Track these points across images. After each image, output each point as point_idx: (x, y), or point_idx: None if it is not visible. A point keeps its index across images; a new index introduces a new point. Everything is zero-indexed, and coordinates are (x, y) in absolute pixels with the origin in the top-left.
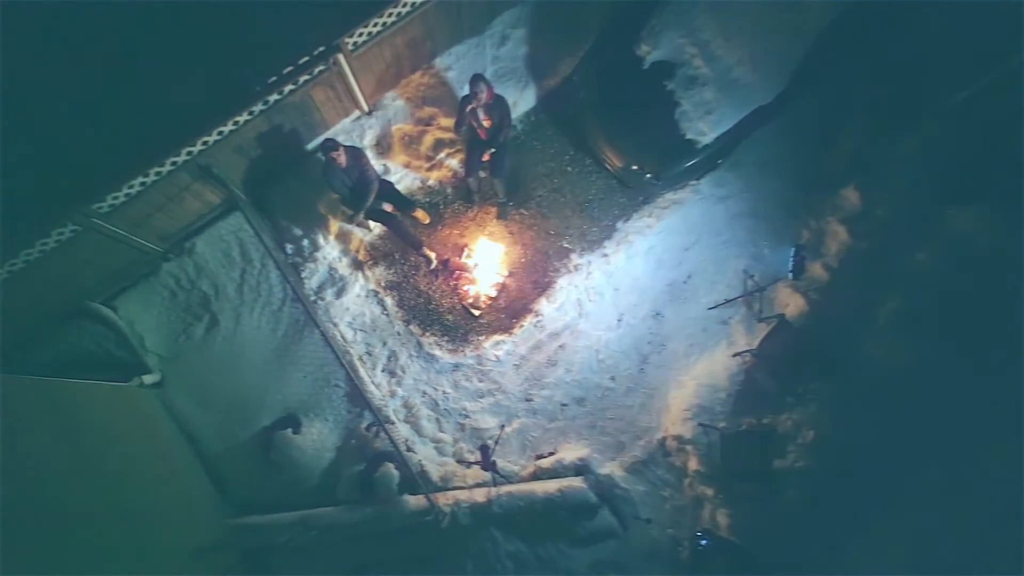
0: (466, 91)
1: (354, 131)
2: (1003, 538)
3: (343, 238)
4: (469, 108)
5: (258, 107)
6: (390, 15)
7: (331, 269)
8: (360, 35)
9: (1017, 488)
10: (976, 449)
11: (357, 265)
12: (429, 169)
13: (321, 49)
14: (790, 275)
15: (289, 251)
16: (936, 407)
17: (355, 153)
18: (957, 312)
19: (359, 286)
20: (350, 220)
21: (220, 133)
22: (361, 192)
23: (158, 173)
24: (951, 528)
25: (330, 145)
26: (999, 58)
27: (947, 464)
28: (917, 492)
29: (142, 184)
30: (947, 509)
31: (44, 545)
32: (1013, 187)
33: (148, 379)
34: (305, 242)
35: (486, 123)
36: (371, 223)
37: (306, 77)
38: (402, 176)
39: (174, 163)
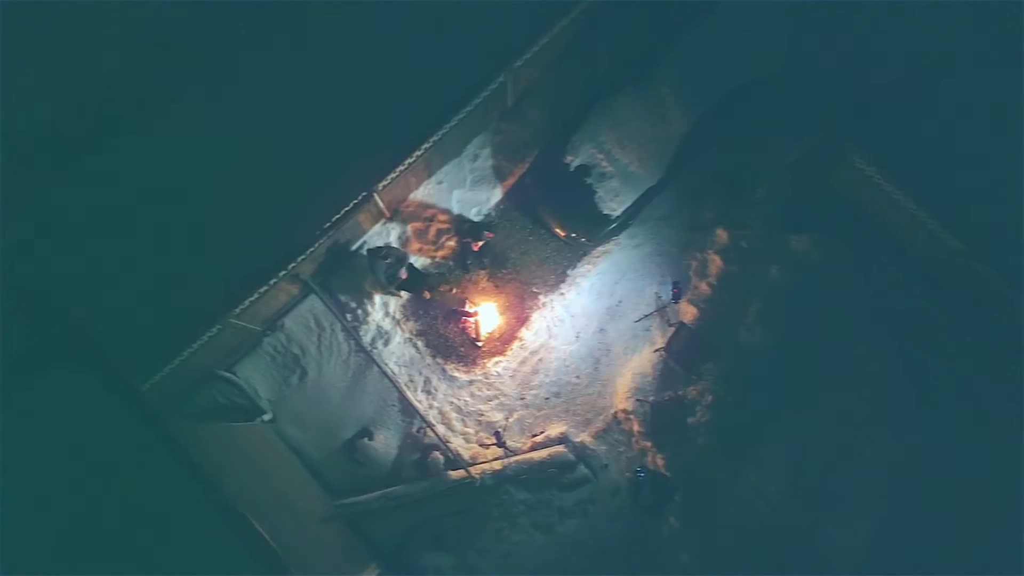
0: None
1: (383, 232)
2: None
3: (384, 305)
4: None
5: (326, 235)
6: (405, 164)
7: (378, 327)
8: (387, 180)
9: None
10: (817, 394)
11: (395, 322)
12: (435, 250)
13: (364, 194)
14: (672, 301)
15: (349, 318)
16: (789, 371)
17: (388, 250)
18: (800, 307)
19: (399, 336)
20: (387, 293)
21: (305, 252)
22: (394, 275)
23: (268, 284)
24: (810, 451)
25: (376, 251)
26: (815, 130)
27: (799, 409)
28: (781, 430)
29: (259, 293)
30: (803, 439)
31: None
32: (831, 218)
33: (265, 418)
34: (359, 311)
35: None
36: (402, 293)
37: (354, 211)
38: (417, 256)
39: (278, 276)
